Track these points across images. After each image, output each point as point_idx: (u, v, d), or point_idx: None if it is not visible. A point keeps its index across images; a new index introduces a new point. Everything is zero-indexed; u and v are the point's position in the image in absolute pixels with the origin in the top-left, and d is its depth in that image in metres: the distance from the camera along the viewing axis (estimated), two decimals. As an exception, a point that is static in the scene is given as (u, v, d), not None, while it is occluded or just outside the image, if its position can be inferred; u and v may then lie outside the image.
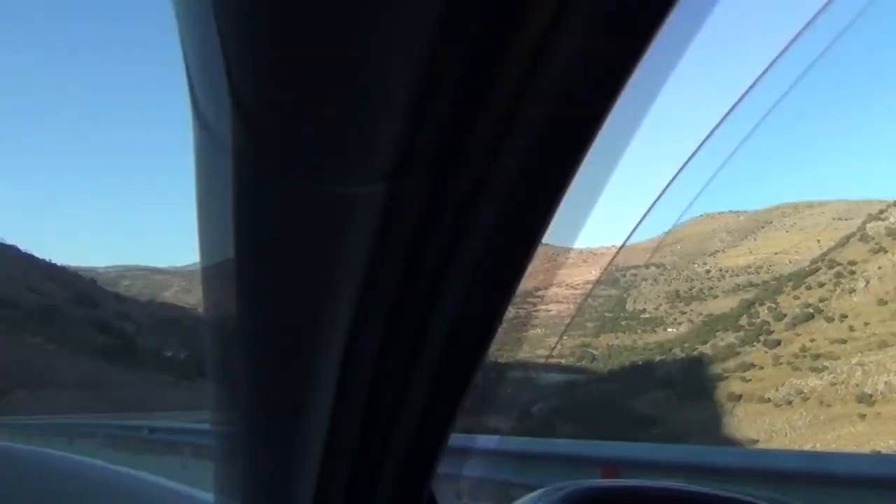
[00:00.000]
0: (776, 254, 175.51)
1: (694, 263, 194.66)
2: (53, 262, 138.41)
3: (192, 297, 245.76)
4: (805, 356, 55.18)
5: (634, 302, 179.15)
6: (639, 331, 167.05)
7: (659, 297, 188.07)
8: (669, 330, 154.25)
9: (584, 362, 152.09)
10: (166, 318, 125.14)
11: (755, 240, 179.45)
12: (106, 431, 13.72)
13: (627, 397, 59.64)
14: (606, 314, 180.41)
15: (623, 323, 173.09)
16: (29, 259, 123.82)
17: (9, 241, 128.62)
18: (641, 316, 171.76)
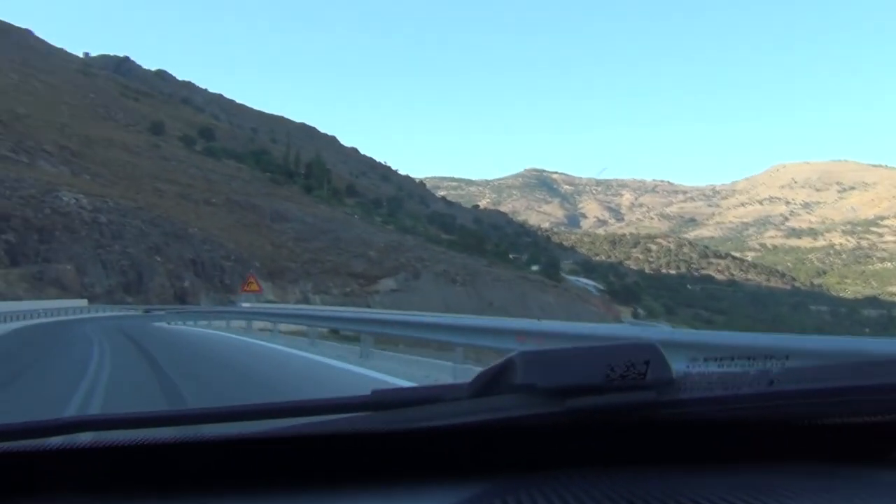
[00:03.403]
0: None
1: None
2: (387, 164, 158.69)
3: (504, 207, 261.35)
4: None
5: None
6: None
7: None
8: None
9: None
10: (489, 223, 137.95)
11: None
12: None
13: None
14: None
15: None
16: (368, 161, 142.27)
17: (349, 144, 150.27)
18: None
